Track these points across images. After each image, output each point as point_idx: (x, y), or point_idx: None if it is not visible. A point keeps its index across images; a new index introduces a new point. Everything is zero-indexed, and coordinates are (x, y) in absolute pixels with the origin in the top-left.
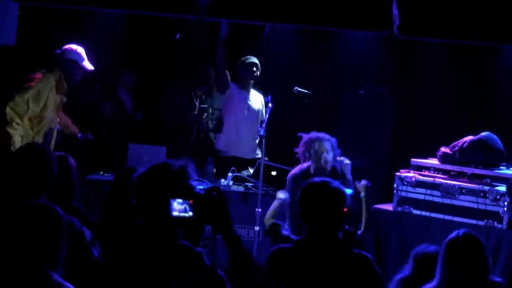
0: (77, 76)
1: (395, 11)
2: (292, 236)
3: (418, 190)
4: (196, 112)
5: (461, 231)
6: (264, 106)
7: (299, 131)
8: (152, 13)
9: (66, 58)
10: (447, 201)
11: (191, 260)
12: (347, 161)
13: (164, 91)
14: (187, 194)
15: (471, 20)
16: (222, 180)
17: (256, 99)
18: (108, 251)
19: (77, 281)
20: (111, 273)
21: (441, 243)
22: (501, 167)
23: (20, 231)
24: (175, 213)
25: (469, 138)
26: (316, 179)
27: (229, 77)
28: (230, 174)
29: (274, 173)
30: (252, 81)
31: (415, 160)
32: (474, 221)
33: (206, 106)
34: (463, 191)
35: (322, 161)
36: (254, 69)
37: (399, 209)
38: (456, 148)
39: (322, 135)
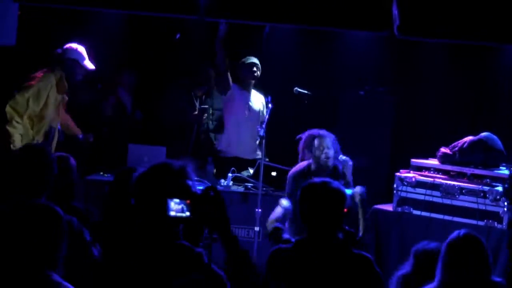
0: (78, 76)
1: (395, 11)
2: (293, 240)
3: (418, 190)
4: (196, 112)
5: (462, 231)
6: (265, 106)
7: (299, 131)
8: (152, 13)
9: (67, 57)
10: (447, 201)
11: (191, 260)
12: (350, 162)
13: (164, 91)
14: (184, 194)
15: (471, 20)
16: (222, 180)
17: (257, 100)
18: (108, 251)
19: (77, 281)
20: (111, 273)
21: (441, 243)
22: (501, 168)
23: (19, 231)
24: (172, 213)
25: (469, 138)
26: (316, 179)
27: (230, 79)
28: (230, 174)
29: (274, 173)
30: (252, 81)
31: (415, 161)
32: (474, 222)
33: (206, 106)
34: (463, 191)
35: (323, 157)
36: (255, 69)
37: (399, 209)
38: (456, 148)
39: (322, 131)
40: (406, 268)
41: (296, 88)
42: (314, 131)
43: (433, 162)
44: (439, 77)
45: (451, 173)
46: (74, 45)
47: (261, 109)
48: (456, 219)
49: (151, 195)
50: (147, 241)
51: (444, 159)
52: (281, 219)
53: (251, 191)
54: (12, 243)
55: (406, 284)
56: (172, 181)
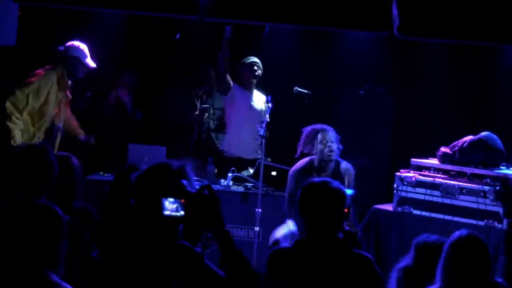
0: (79, 73)
1: (395, 11)
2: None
3: (418, 190)
4: (197, 112)
5: (464, 231)
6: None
7: (299, 131)
8: (152, 13)
9: (69, 54)
10: (447, 201)
11: (191, 260)
12: (352, 170)
13: (164, 91)
14: (178, 193)
15: (471, 20)
16: (222, 180)
17: (259, 100)
18: (108, 251)
19: (77, 281)
20: (111, 273)
21: (441, 236)
22: (501, 167)
23: (19, 231)
24: (166, 212)
25: (469, 138)
26: (317, 179)
27: (229, 79)
28: (230, 174)
29: (274, 173)
30: (254, 81)
31: (415, 160)
32: (474, 221)
33: (207, 106)
34: (463, 191)
35: (327, 151)
36: (255, 68)
37: (399, 209)
38: (456, 148)
39: (325, 126)
40: (407, 260)
41: (296, 88)
42: (317, 126)
43: (433, 161)
44: (439, 77)
45: (451, 172)
46: (76, 43)
47: (263, 109)
48: (456, 219)
49: (150, 195)
50: (147, 241)
51: (444, 158)
52: (283, 240)
53: (251, 191)
54: (11, 243)
55: (407, 276)
56: (171, 181)
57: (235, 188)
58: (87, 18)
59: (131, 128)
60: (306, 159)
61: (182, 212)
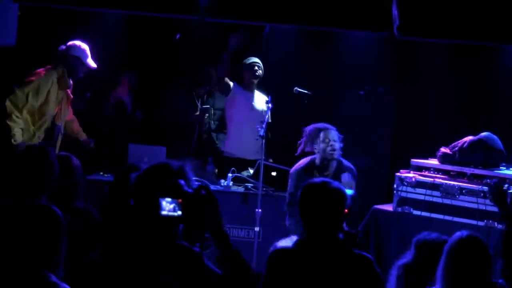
0: (79, 73)
1: (395, 12)
2: None
3: (418, 190)
4: (198, 113)
5: (464, 233)
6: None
7: (299, 131)
8: (152, 13)
9: (70, 54)
10: (447, 201)
11: (190, 261)
12: (353, 170)
13: (164, 91)
14: (175, 193)
15: (471, 20)
16: (222, 180)
17: (261, 100)
18: (108, 251)
19: (77, 281)
20: (111, 273)
21: (441, 234)
22: (501, 168)
23: (18, 231)
24: (164, 212)
25: (469, 138)
26: (317, 179)
27: (228, 81)
28: (230, 174)
29: (274, 173)
30: (255, 82)
31: (415, 161)
32: (474, 222)
33: (207, 106)
34: (463, 191)
35: (329, 149)
36: (256, 68)
37: (399, 209)
38: (456, 148)
39: (328, 125)
40: (407, 257)
41: (296, 88)
42: (319, 125)
43: (433, 162)
44: (439, 77)
45: (451, 173)
46: (77, 43)
47: (264, 109)
48: (456, 219)
49: (150, 196)
50: (147, 241)
51: (444, 159)
52: None
53: (251, 191)
54: (10, 243)
55: (406, 273)
56: (169, 181)
57: (235, 188)
58: (87, 18)
59: (131, 128)
60: (307, 158)
61: (179, 212)
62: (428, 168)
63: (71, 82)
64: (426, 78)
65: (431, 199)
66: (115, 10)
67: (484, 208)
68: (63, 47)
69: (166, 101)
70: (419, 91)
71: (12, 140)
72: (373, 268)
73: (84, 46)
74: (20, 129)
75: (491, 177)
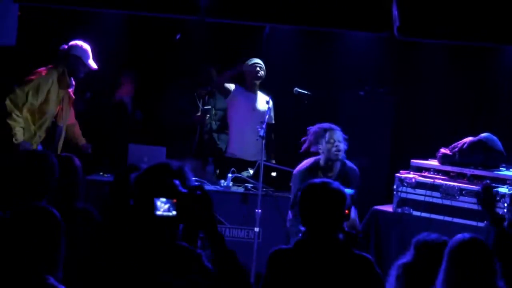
0: (80, 73)
1: (395, 12)
2: None
3: (418, 191)
4: (199, 113)
5: (466, 235)
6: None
7: (299, 131)
8: (152, 13)
9: (71, 53)
10: (447, 202)
11: (191, 261)
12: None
13: (165, 91)
14: (170, 193)
15: (471, 21)
16: (222, 181)
17: (263, 101)
18: (108, 252)
19: (76, 282)
20: (110, 273)
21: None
22: (501, 168)
23: (18, 234)
24: (158, 212)
25: (469, 139)
26: (317, 180)
27: (228, 87)
28: (230, 175)
29: (274, 173)
30: (257, 82)
31: (415, 161)
32: (474, 223)
33: (209, 107)
34: (463, 192)
35: (334, 150)
36: (258, 69)
37: (399, 210)
38: (456, 149)
39: (333, 125)
40: (406, 258)
41: (296, 88)
42: (324, 125)
43: (433, 163)
44: (439, 78)
45: (451, 174)
46: (80, 43)
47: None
48: (456, 220)
49: (149, 196)
50: (147, 241)
51: (444, 159)
52: None
53: (251, 192)
54: (10, 246)
55: (406, 273)
56: (164, 181)
57: (235, 188)
58: (87, 18)
59: (131, 128)
60: (311, 159)
61: (174, 212)
62: (428, 169)
63: (73, 82)
64: (426, 79)
65: (431, 200)
66: (115, 10)
67: None
68: (65, 46)
69: (166, 101)
70: (419, 91)
71: (13, 139)
72: (373, 268)
73: (86, 47)
74: (21, 128)
75: (491, 178)
